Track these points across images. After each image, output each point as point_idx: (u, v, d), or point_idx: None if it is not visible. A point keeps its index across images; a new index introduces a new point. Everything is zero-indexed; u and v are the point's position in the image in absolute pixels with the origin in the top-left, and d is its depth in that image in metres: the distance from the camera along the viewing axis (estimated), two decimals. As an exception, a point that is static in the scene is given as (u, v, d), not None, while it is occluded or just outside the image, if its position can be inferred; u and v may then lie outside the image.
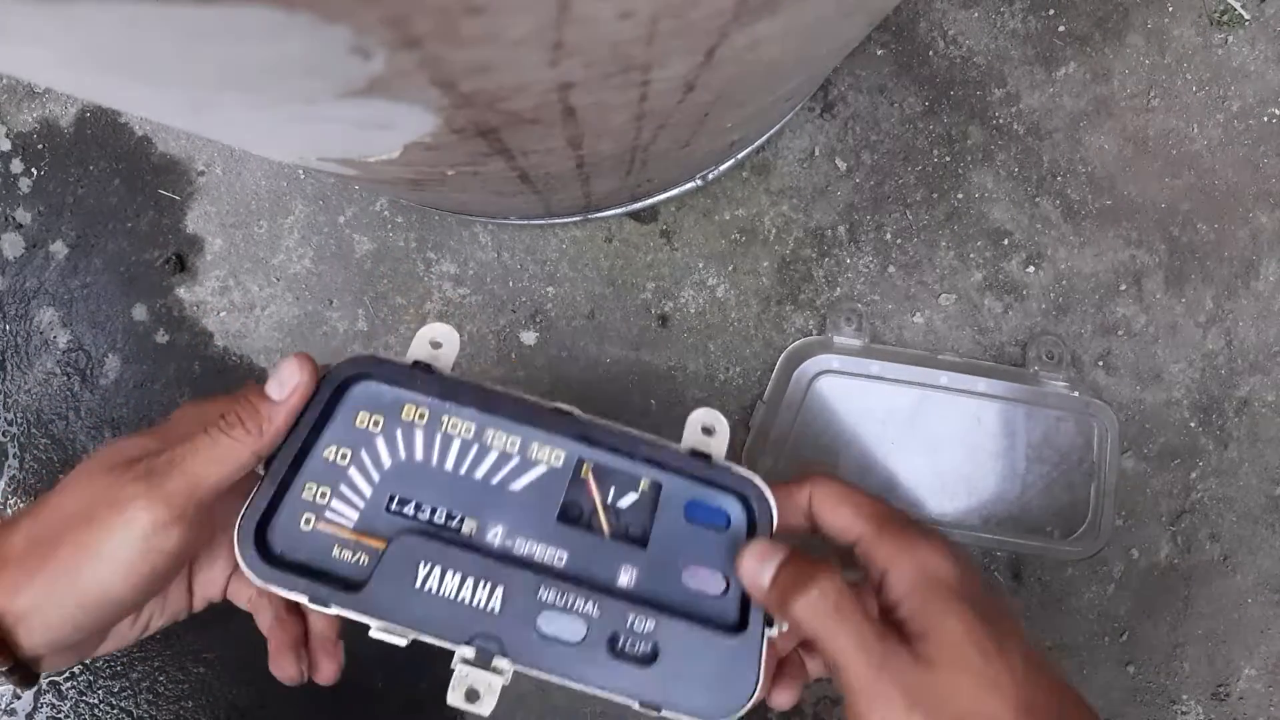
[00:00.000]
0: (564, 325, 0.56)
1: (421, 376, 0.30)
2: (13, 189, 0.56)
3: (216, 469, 0.28)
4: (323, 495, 0.30)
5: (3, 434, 0.56)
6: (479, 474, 0.31)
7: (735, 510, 0.32)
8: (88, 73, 0.20)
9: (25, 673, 0.29)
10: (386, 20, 0.16)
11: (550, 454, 0.31)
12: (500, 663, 0.29)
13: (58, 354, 0.56)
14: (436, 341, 0.32)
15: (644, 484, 0.32)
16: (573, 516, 0.31)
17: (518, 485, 0.31)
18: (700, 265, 0.57)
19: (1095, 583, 0.58)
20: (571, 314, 0.56)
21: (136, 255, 0.56)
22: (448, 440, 0.31)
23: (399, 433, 0.31)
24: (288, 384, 0.30)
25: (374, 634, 0.29)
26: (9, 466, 0.56)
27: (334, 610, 0.29)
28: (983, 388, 0.54)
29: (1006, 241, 0.58)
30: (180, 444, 0.28)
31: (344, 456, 0.30)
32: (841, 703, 0.56)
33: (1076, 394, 0.55)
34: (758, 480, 0.32)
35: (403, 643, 0.29)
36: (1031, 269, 0.58)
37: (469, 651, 0.28)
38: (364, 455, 0.30)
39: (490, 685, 0.28)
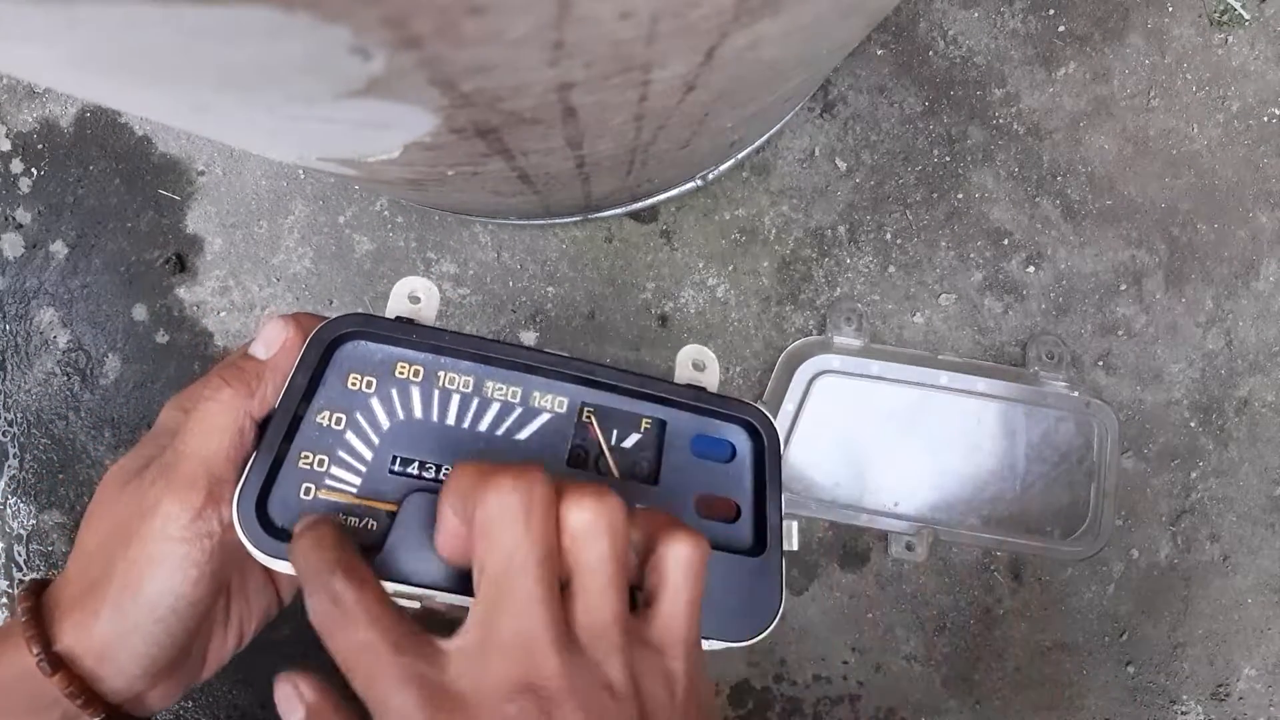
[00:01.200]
0: (564, 325, 0.56)
1: (413, 331, 0.29)
2: (13, 189, 0.56)
3: (217, 438, 0.27)
4: (320, 463, 0.28)
5: (2, 434, 0.56)
6: (483, 426, 0.30)
7: (740, 439, 0.32)
8: (88, 73, 0.20)
9: (126, 718, 0.28)
10: (386, 20, 0.16)
11: (553, 401, 0.31)
12: None
13: (58, 354, 0.56)
14: (415, 296, 0.30)
15: (646, 423, 0.32)
16: (581, 460, 0.31)
17: (523, 435, 0.30)
18: (700, 265, 0.57)
19: (1095, 583, 0.58)
20: (571, 314, 0.56)
21: (136, 255, 0.56)
22: (446, 395, 0.30)
23: (394, 392, 0.30)
24: (274, 342, 0.28)
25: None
26: (9, 466, 0.56)
27: None
28: (983, 388, 0.54)
29: (1006, 241, 0.58)
30: (176, 435, 0.28)
31: (338, 421, 0.29)
32: (841, 703, 0.56)
33: (1076, 394, 0.55)
34: (759, 405, 0.32)
35: (415, 604, 0.28)
36: (1031, 269, 0.58)
37: None
38: (359, 418, 0.29)
39: None
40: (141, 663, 0.27)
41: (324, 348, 0.29)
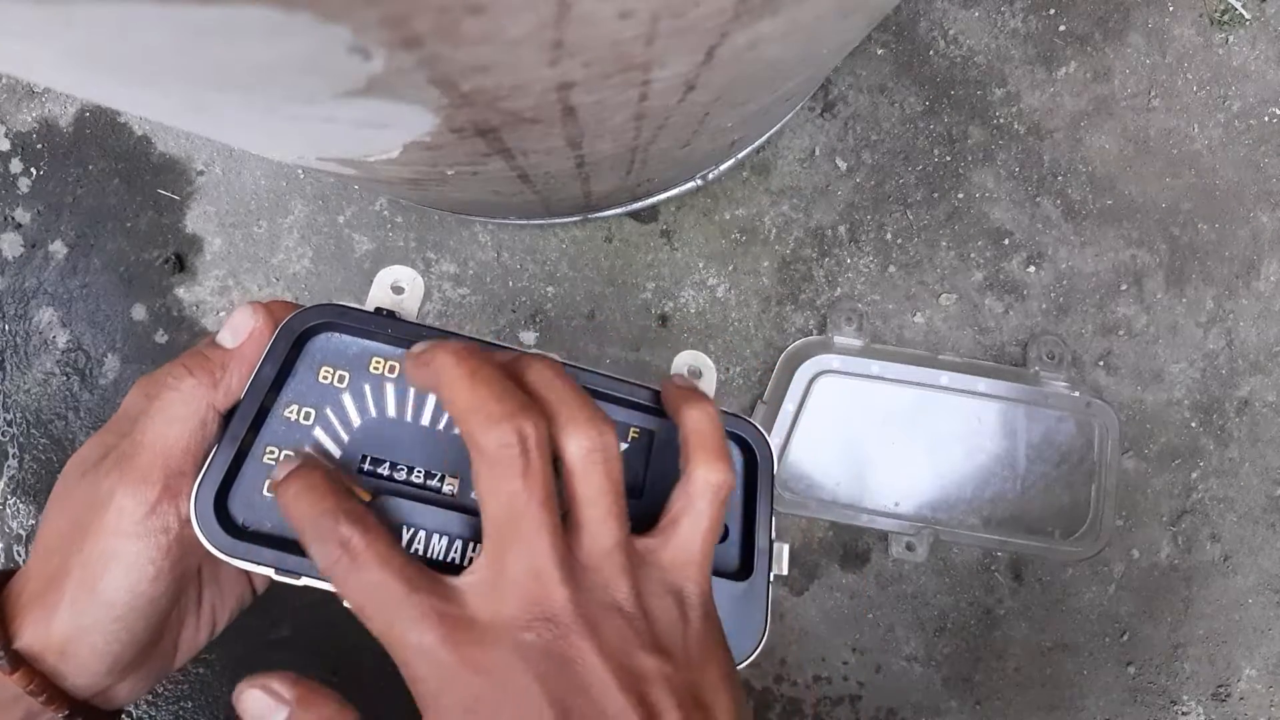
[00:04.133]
0: (564, 325, 0.56)
1: (390, 325, 0.28)
2: (12, 189, 0.56)
3: (177, 428, 0.26)
4: (286, 459, 0.27)
5: (2, 434, 0.56)
6: (458, 429, 0.28)
7: (732, 454, 0.30)
8: (87, 73, 0.20)
9: (93, 712, 0.27)
10: (386, 20, 0.16)
11: None
12: None
13: (57, 354, 0.56)
14: (399, 286, 0.29)
15: (633, 431, 0.30)
16: (560, 469, 0.29)
17: None
18: (700, 265, 0.57)
19: (1096, 583, 0.57)
20: (571, 314, 0.56)
21: (136, 255, 0.56)
22: (422, 394, 0.28)
23: (367, 388, 0.28)
24: (241, 330, 0.27)
25: (349, 604, 0.27)
26: (8, 467, 0.56)
27: (306, 582, 0.26)
28: (983, 388, 0.54)
29: (1007, 241, 0.58)
30: (135, 423, 0.26)
31: (307, 416, 0.28)
32: (841, 703, 0.56)
33: (1077, 394, 0.55)
34: (753, 421, 0.30)
35: None
36: (1032, 269, 0.58)
37: None
38: (329, 414, 0.28)
39: None
40: (104, 660, 0.26)
41: (294, 338, 0.27)
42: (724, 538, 0.30)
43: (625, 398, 0.30)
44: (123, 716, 0.29)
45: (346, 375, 0.28)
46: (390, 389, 0.28)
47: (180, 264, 0.56)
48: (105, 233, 0.56)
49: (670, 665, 0.23)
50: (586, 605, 0.23)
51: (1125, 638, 0.58)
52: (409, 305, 0.29)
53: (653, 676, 0.23)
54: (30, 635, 0.26)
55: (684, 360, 0.32)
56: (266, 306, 0.28)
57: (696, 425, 0.27)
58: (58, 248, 0.56)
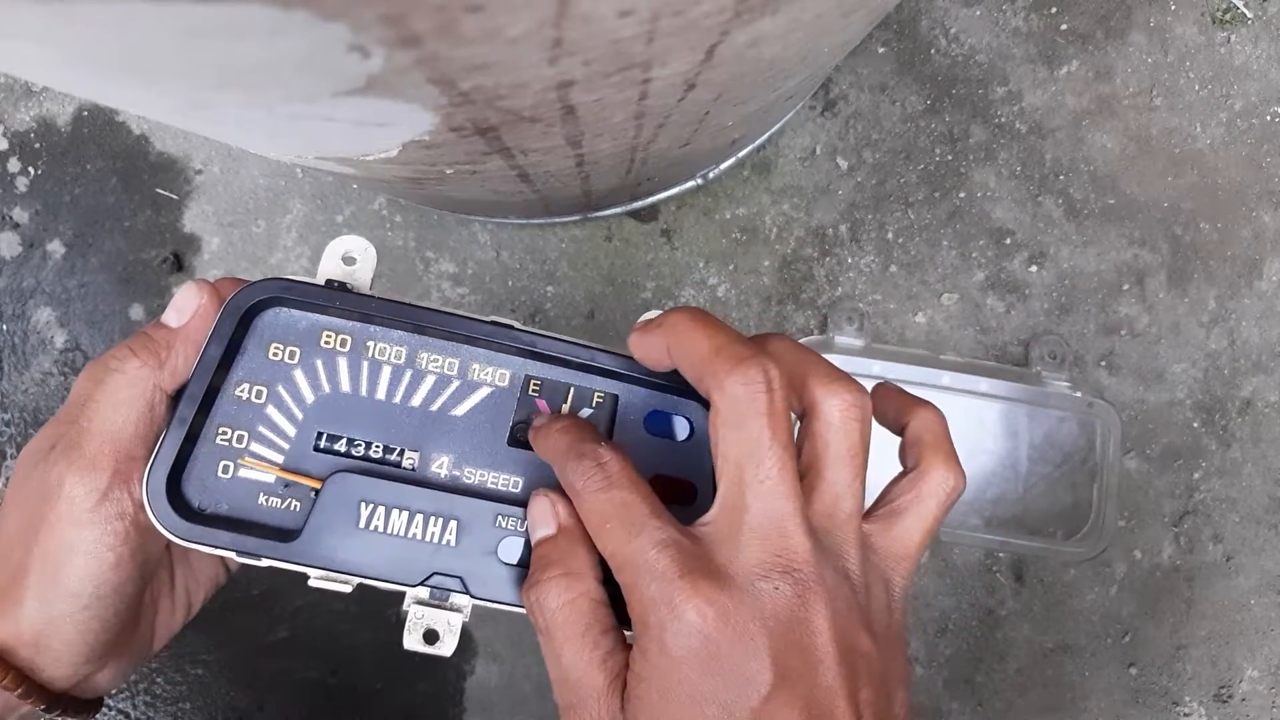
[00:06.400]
0: (564, 325, 0.56)
1: (338, 298, 0.27)
2: (9, 188, 0.56)
3: (124, 412, 0.25)
4: (240, 439, 0.27)
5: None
6: (415, 402, 0.28)
7: (698, 416, 0.30)
8: (85, 71, 0.20)
9: (75, 702, 0.27)
10: (385, 18, 0.16)
11: (494, 374, 0.29)
12: (458, 599, 0.27)
13: (55, 354, 0.56)
14: (350, 257, 0.28)
15: (598, 397, 0.30)
16: (524, 439, 0.29)
17: (460, 410, 0.29)
18: (701, 265, 0.56)
19: (1098, 584, 0.57)
20: (571, 314, 0.56)
21: (134, 254, 0.56)
22: (376, 367, 0.28)
23: (319, 363, 0.28)
24: (186, 309, 0.27)
25: (313, 583, 0.26)
26: (6, 467, 0.56)
27: (267, 563, 0.26)
28: (985, 388, 0.54)
29: (1009, 240, 0.57)
30: (82, 410, 0.26)
31: (259, 394, 0.27)
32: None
33: (1079, 394, 0.55)
34: None
35: (347, 588, 0.27)
36: (1034, 268, 0.57)
37: (423, 591, 0.27)
38: (282, 391, 0.27)
39: (450, 624, 0.26)
40: (79, 650, 0.26)
41: (239, 316, 0.27)
42: (693, 500, 0.29)
43: (584, 361, 0.29)
44: (122, 718, 0.29)
45: (297, 351, 0.28)
46: (343, 363, 0.28)
47: (178, 263, 0.56)
48: (103, 232, 0.56)
49: (875, 650, 0.23)
50: (823, 566, 0.22)
51: (1127, 639, 0.58)
52: (361, 276, 0.28)
53: (863, 657, 0.22)
54: (2, 630, 0.26)
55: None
56: (213, 284, 0.27)
57: (932, 427, 0.26)
58: (55, 247, 0.56)
